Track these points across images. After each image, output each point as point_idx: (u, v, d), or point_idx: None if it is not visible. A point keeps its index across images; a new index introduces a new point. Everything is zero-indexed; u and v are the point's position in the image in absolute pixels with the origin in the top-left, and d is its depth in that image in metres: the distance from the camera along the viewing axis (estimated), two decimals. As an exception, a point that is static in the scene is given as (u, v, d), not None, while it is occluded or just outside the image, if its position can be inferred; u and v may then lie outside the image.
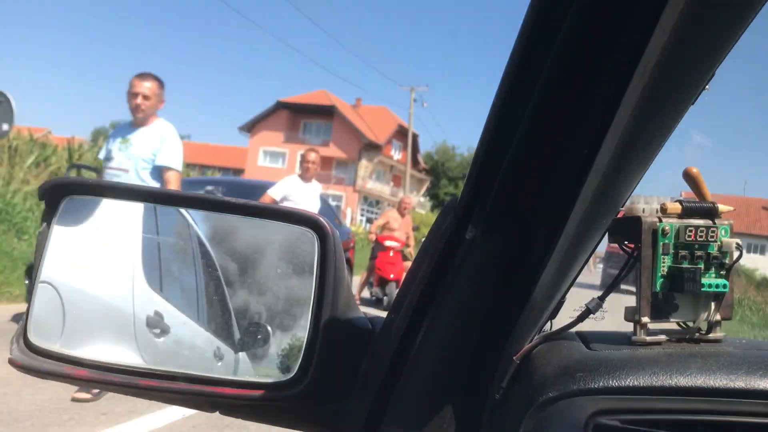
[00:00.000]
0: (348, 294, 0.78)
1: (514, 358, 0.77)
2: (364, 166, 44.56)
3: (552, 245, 0.69)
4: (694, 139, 0.87)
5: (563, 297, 0.84)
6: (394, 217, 10.95)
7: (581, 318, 0.80)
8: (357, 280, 11.64)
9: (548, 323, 0.86)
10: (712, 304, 0.75)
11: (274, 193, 7.00)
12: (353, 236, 8.43)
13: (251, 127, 43.55)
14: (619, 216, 0.76)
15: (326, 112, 40.83)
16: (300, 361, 0.71)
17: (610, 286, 0.80)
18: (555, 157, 0.63)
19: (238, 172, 43.75)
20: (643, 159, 0.64)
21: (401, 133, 44.83)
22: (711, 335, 0.77)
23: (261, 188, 7.42)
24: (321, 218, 0.71)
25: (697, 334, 0.77)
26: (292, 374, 0.70)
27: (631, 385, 0.65)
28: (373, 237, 11.09)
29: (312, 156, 7.26)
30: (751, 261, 35.18)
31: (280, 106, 42.68)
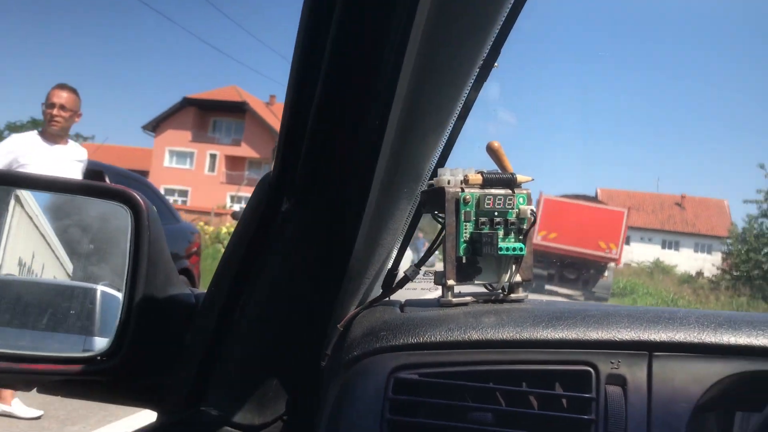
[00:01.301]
0: (168, 268, 0.83)
1: (338, 326, 0.85)
2: (280, 166, 43.68)
3: (360, 214, 0.77)
4: (501, 115, 0.99)
5: (395, 268, 0.93)
6: None
7: (399, 285, 0.89)
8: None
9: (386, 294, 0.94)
10: (513, 267, 0.86)
11: None
12: (198, 238, 7.07)
13: (156, 126, 42.14)
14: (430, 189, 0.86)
15: (237, 109, 40.04)
16: (114, 334, 0.75)
17: (426, 255, 0.90)
18: (351, 130, 0.71)
19: (143, 174, 42.29)
20: (432, 130, 0.74)
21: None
22: (513, 295, 0.88)
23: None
24: (134, 193, 0.76)
25: (502, 295, 0.87)
26: (107, 348, 0.75)
27: (428, 341, 0.74)
28: None
29: (59, 97, 4.23)
30: (667, 257, 37.50)
31: (187, 103, 41.46)
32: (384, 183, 0.74)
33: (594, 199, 21.41)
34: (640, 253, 35.58)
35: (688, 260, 37.47)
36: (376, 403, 0.69)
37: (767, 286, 20.63)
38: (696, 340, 0.72)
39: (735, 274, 23.23)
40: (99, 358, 0.74)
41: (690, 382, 0.71)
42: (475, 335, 0.74)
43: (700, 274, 32.19)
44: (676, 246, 41.97)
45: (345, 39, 0.64)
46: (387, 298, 0.92)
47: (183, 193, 40.38)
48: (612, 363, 0.72)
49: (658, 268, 33.51)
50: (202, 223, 16.22)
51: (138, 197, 0.76)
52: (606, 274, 19.84)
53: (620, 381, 0.71)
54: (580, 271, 19.48)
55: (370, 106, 0.69)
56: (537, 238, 18.58)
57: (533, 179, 0.87)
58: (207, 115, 42.29)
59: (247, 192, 36.04)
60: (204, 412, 0.81)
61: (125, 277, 0.75)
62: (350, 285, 0.85)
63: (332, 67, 0.66)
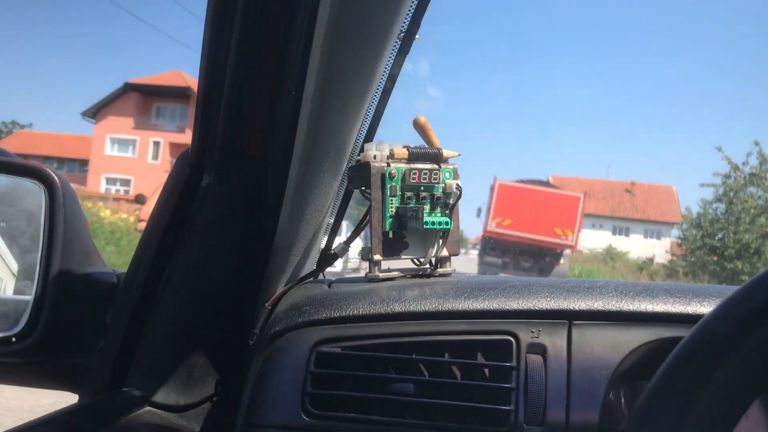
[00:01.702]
0: (88, 247, 0.82)
1: (266, 304, 0.85)
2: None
3: (282, 189, 0.77)
4: (429, 92, 1.01)
5: (329, 245, 0.94)
6: None
7: (327, 262, 0.91)
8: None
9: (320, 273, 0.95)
10: (439, 241, 0.88)
11: None
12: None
13: (96, 113, 40.81)
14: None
15: (181, 94, 39.13)
16: (28, 314, 0.74)
17: (356, 230, 0.91)
18: (266, 102, 0.72)
19: (83, 163, 40.84)
20: (351, 102, 0.75)
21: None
22: (440, 270, 0.90)
23: None
24: (48, 169, 0.75)
25: (429, 270, 0.90)
26: (19, 328, 0.73)
27: (351, 314, 0.75)
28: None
29: None
30: (618, 243, 38.50)
31: (129, 88, 40.27)
32: (304, 157, 0.75)
33: (549, 185, 20.53)
34: (591, 239, 36.39)
35: (638, 246, 38.58)
36: (298, 377, 0.70)
37: (722, 271, 21.01)
38: (614, 308, 0.76)
39: (691, 260, 23.21)
40: (12, 339, 0.73)
41: (608, 349, 0.74)
42: (397, 307, 0.76)
43: (651, 260, 32.97)
44: (626, 232, 43.12)
45: (253, 7, 0.65)
46: (318, 275, 0.93)
47: (125, 183, 39.24)
48: (532, 332, 0.74)
49: (610, 255, 34.25)
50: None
51: (52, 173, 0.75)
52: (562, 261, 19.60)
53: (540, 349, 0.73)
54: (535, 258, 19.29)
55: (283, 78, 0.69)
56: (491, 225, 18.57)
57: (460, 154, 0.89)
58: (150, 101, 41.11)
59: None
60: (126, 393, 0.81)
61: (39, 255, 0.74)
62: (277, 261, 0.85)
63: (242, 38, 0.66)
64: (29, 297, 0.75)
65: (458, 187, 0.87)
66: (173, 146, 38.84)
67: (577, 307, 0.76)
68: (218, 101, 0.70)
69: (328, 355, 0.73)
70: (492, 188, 19.12)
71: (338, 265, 0.96)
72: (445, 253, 0.89)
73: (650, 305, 0.76)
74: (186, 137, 38.46)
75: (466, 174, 0.88)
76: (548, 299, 0.76)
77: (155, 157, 39.62)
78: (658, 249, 37.70)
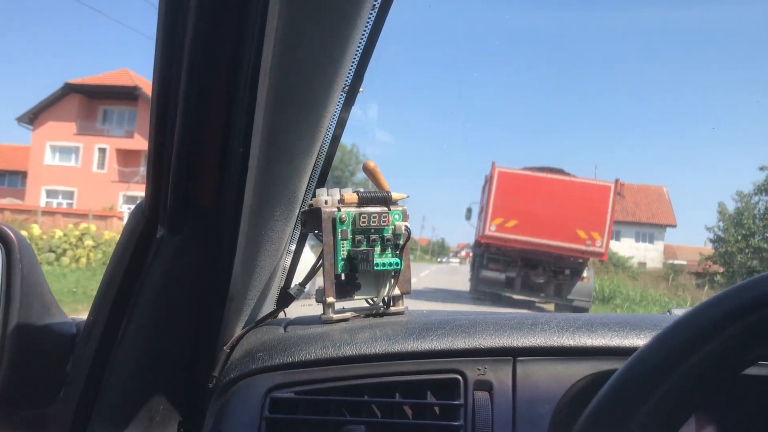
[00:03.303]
0: (46, 299, 0.91)
1: (225, 347, 0.95)
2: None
3: (234, 238, 0.88)
4: (378, 136, 1.12)
5: (287, 285, 1.04)
6: None
7: (284, 304, 1.01)
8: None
9: (282, 312, 1.06)
10: (391, 281, 0.99)
11: None
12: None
13: (34, 118, 40.09)
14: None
15: (129, 95, 38.64)
16: (-13, 368, 0.83)
17: (310, 273, 1.02)
18: (215, 157, 0.82)
19: (22, 175, 40.05)
20: (299, 153, 0.85)
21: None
22: (393, 308, 1.01)
23: None
24: (4, 227, 0.84)
25: (382, 309, 1.01)
26: (-20, 383, 0.82)
27: (303, 359, 0.86)
28: None
29: None
30: (613, 247, 38.86)
31: (70, 89, 39.54)
32: (255, 207, 0.85)
33: (563, 172, 15.54)
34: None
35: (630, 250, 38.99)
36: (253, 423, 0.80)
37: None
38: (556, 344, 0.87)
39: (732, 268, 19.54)
40: (-28, 393, 0.82)
41: (551, 383, 0.85)
42: (348, 351, 0.86)
43: (643, 264, 32.36)
44: (617, 236, 43.58)
45: (199, 67, 0.75)
46: (275, 317, 1.04)
47: (68, 195, 38.44)
48: (479, 369, 0.86)
49: (612, 262, 32.27)
50: (84, 225, 15.59)
51: (7, 230, 0.85)
52: (585, 274, 15.06)
53: (487, 386, 0.85)
54: (551, 272, 15.11)
55: (231, 134, 0.80)
56: (489, 228, 14.71)
57: (408, 196, 1.01)
58: (95, 104, 40.40)
59: (138, 190, 34.59)
60: None
61: (-3, 311, 0.84)
62: (234, 306, 0.95)
63: (189, 96, 0.76)
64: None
65: (407, 228, 0.98)
66: (121, 153, 38.12)
67: (520, 344, 0.87)
68: (168, 157, 0.80)
69: (282, 401, 0.83)
70: (488, 179, 15.33)
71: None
72: (397, 291, 1.00)
73: (589, 339, 0.88)
74: (135, 143, 37.91)
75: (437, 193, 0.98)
76: (493, 337, 0.87)
77: (101, 165, 38.89)
78: (651, 253, 38.21)
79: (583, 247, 14.41)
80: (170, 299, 0.90)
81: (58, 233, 14.91)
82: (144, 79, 39.02)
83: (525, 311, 1.26)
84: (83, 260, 14.32)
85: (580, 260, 15.00)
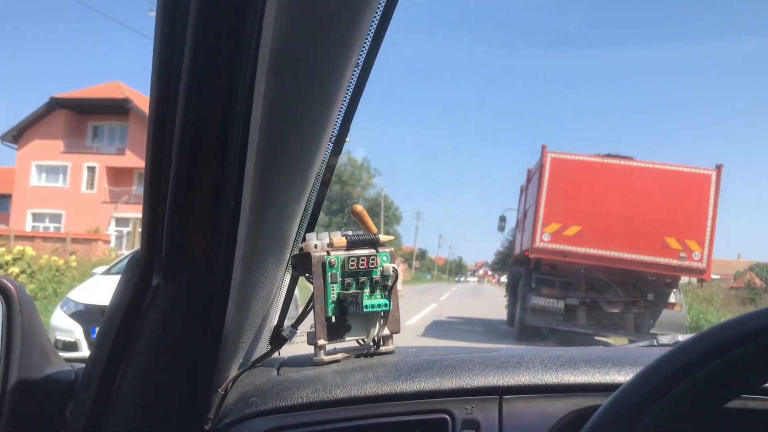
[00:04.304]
0: (46, 348, 1.01)
1: (219, 390, 1.04)
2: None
3: (228, 285, 0.97)
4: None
5: (280, 325, 1.13)
6: None
7: (277, 345, 1.10)
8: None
9: (276, 353, 1.15)
10: (380, 321, 1.08)
11: None
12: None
13: (18, 136, 40.33)
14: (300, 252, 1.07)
15: (120, 109, 38.68)
16: (-9, 417, 0.93)
17: (301, 316, 1.11)
18: (208, 209, 0.92)
19: (6, 197, 40.29)
20: (290, 202, 0.95)
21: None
22: (383, 348, 1.10)
23: None
24: (4, 279, 0.94)
25: (373, 349, 1.10)
26: (-20, 434, 0.92)
27: (296, 402, 0.95)
28: None
29: None
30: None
31: (57, 104, 39.65)
32: (247, 254, 0.94)
33: (633, 160, 11.82)
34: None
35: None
36: None
37: None
38: (540, 382, 0.96)
39: None
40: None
41: (537, 420, 0.94)
42: (340, 393, 0.96)
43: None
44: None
45: (191, 121, 0.85)
46: (269, 357, 1.13)
47: (55, 218, 38.37)
48: (466, 409, 0.94)
49: None
50: (20, 248, 15.10)
51: (7, 282, 0.94)
52: (674, 299, 11.55)
53: (474, 425, 0.93)
54: (628, 298, 11.55)
55: (222, 190, 0.90)
56: (542, 238, 11.40)
57: (395, 238, 1.10)
58: (84, 119, 40.41)
59: (129, 211, 34.45)
60: None
61: (-1, 362, 0.93)
62: (228, 350, 1.05)
63: (182, 154, 0.86)
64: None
65: (394, 270, 1.08)
66: (111, 171, 38.05)
67: (505, 383, 0.96)
68: (163, 211, 0.90)
69: None
70: (534, 172, 12.35)
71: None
72: (386, 332, 1.09)
73: (572, 377, 0.96)
74: (127, 160, 37.93)
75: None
76: (479, 376, 0.96)
77: (90, 185, 38.90)
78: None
79: (675, 262, 11.03)
80: (166, 345, 1.00)
81: (59, 261, 14.76)
82: (136, 92, 39.14)
83: (517, 346, 1.35)
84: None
85: (668, 279, 11.64)
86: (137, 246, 1.01)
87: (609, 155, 11.62)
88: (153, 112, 0.85)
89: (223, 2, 0.78)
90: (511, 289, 14.42)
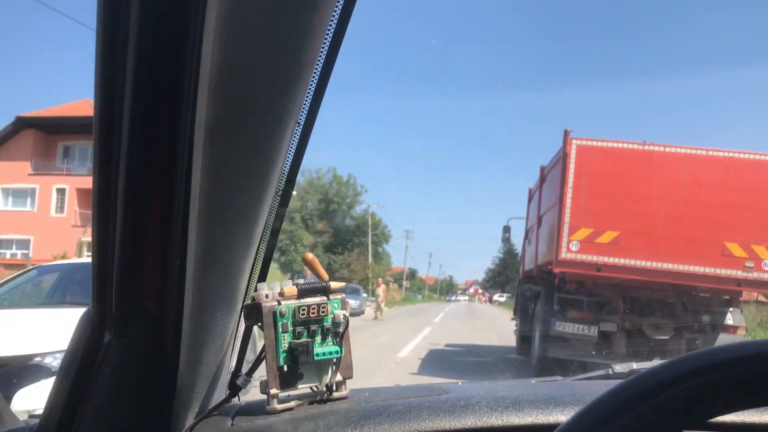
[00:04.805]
0: None
1: None
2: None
3: (178, 338, 1.03)
4: (318, 226, 1.28)
5: (237, 371, 1.19)
6: None
7: (232, 394, 1.16)
8: None
9: (236, 397, 1.21)
10: (333, 368, 1.14)
11: None
12: None
13: (-18, 157, 39.96)
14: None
15: (91, 127, 38.05)
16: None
17: (254, 365, 1.17)
18: (155, 269, 0.98)
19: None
20: (237, 257, 1.01)
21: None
22: (336, 394, 1.16)
23: None
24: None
25: (326, 395, 1.16)
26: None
27: None
28: None
29: None
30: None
31: (24, 123, 39.26)
32: (195, 310, 1.00)
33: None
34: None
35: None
36: None
37: None
38: (485, 425, 1.03)
39: None
40: None
41: None
42: None
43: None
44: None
45: (135, 187, 0.91)
46: (224, 405, 1.18)
47: (23, 244, 37.91)
48: None
49: None
50: None
51: None
52: (732, 320, 9.56)
53: None
54: (679, 321, 9.62)
55: (168, 250, 0.96)
56: (569, 247, 9.30)
57: (346, 284, 1.16)
58: (53, 139, 40.07)
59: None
60: None
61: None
62: (182, 400, 1.10)
63: (127, 214, 0.92)
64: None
65: (345, 317, 1.14)
66: (82, 193, 37.56)
67: (452, 427, 1.02)
68: (111, 271, 0.96)
69: None
70: (556, 163, 10.29)
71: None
72: (339, 378, 1.15)
73: (516, 418, 1.03)
74: (98, 181, 37.57)
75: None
76: (427, 421, 1.03)
77: (60, 208, 38.56)
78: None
79: (740, 274, 8.90)
80: (120, 397, 1.05)
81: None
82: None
83: (468, 385, 1.41)
84: None
85: (726, 296, 9.65)
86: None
87: (645, 144, 9.47)
88: (96, 182, 0.92)
89: (160, 82, 0.85)
90: (521, 312, 12.77)
